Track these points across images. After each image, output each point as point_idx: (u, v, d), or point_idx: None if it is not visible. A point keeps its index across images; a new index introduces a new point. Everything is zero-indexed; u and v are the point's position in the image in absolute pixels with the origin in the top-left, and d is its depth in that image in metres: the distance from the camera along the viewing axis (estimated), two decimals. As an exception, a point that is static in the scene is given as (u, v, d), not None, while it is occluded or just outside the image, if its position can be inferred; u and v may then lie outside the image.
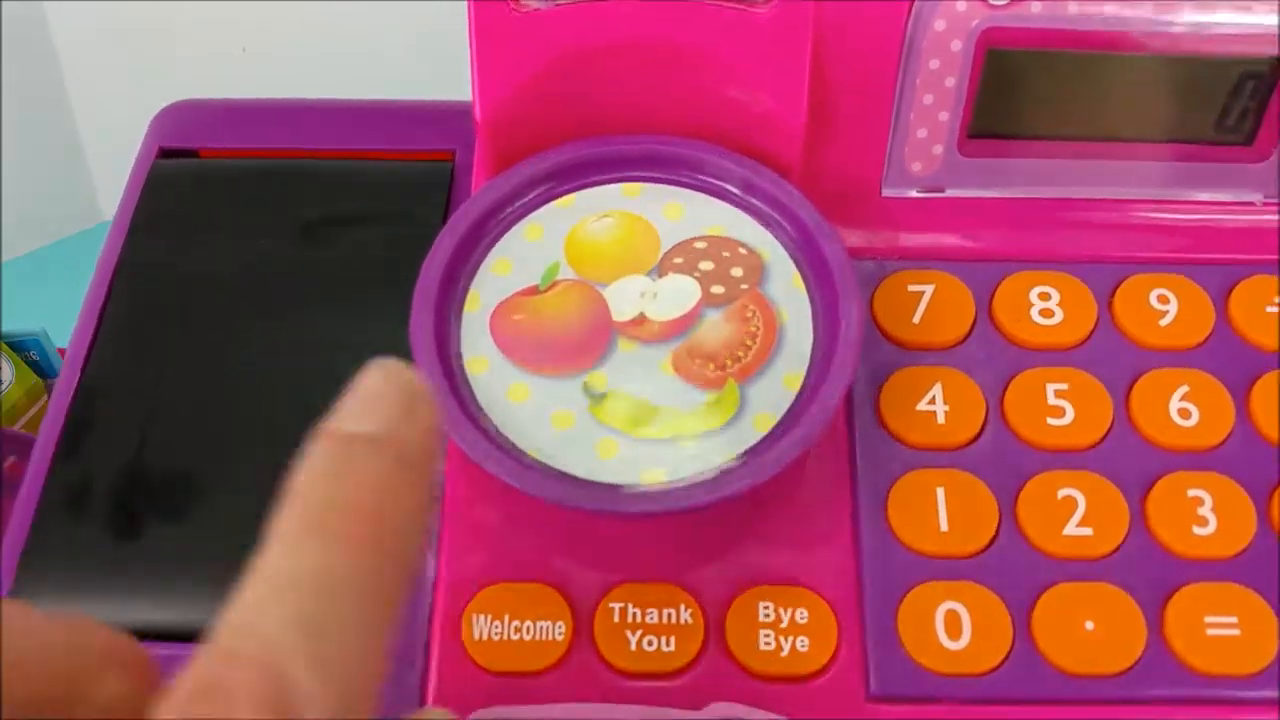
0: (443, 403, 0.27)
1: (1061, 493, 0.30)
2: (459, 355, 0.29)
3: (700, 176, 0.31)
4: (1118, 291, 0.32)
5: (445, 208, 0.38)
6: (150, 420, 0.33)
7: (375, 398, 0.18)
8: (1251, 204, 0.33)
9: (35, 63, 0.52)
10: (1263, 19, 0.30)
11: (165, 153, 0.39)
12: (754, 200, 0.31)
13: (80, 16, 0.51)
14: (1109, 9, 0.30)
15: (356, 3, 0.52)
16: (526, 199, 0.31)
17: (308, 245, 0.38)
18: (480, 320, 0.29)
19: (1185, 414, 0.31)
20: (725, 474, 0.26)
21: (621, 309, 0.29)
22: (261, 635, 0.15)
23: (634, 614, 0.28)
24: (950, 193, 0.33)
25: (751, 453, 0.27)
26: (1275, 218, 0.33)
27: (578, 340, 0.29)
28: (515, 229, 0.30)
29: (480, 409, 0.28)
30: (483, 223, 0.30)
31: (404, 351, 0.35)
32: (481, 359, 0.28)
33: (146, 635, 0.30)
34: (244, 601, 0.16)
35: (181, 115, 0.40)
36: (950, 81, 0.31)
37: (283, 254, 0.37)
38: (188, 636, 0.30)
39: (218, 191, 0.39)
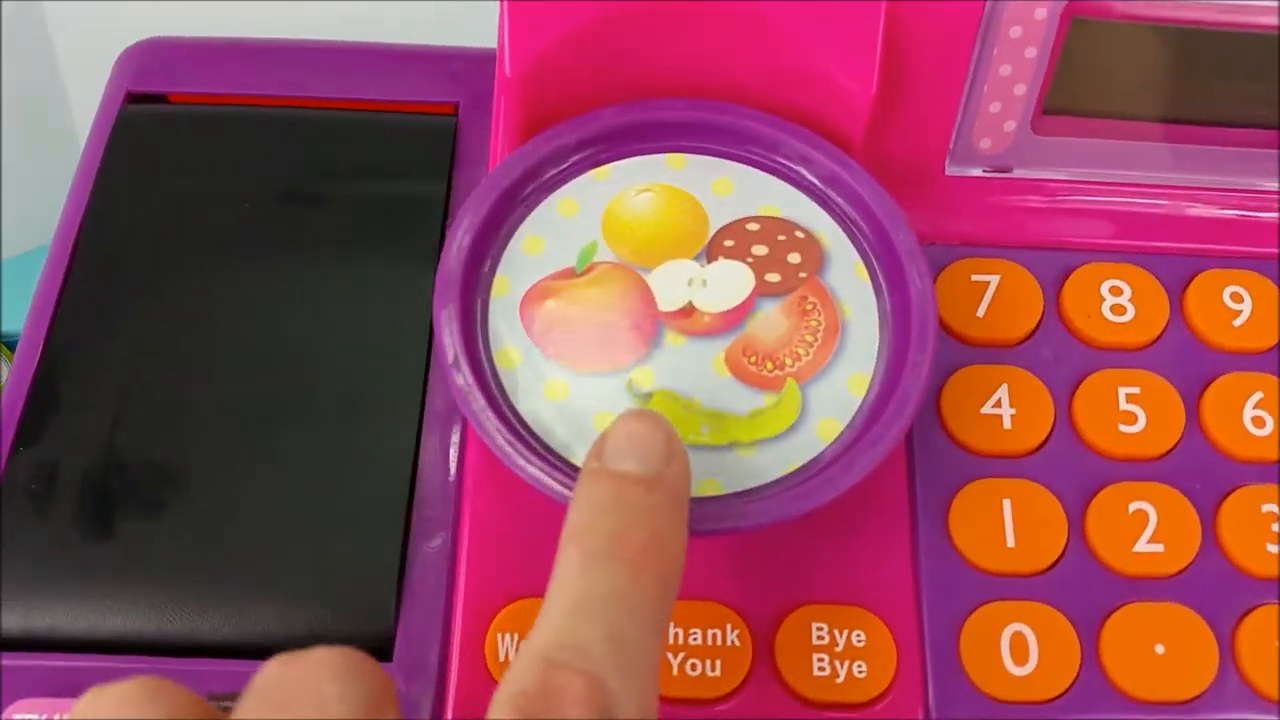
0: (470, 398, 0.24)
1: (1132, 506, 0.28)
2: (486, 345, 0.25)
3: (754, 149, 0.28)
4: (1190, 287, 0.30)
5: (449, 168, 0.35)
6: (122, 399, 0.30)
7: (640, 439, 0.21)
8: (1333, 196, 0.31)
9: (34, 62, 0.50)
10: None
11: (133, 98, 0.35)
12: (813, 179, 0.28)
13: (78, 15, 0.49)
14: (1207, -21, 0.27)
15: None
16: (559, 169, 0.28)
17: (293, 205, 0.34)
18: (510, 307, 0.26)
19: (1259, 422, 0.29)
20: (790, 491, 0.24)
21: (667, 297, 0.26)
22: (579, 647, 0.18)
23: (676, 634, 0.26)
24: (1018, 173, 0.30)
25: (816, 466, 0.24)
26: (1355, 212, 0.31)
27: (621, 332, 0.26)
28: (546, 202, 0.27)
29: (513, 408, 0.25)
30: (511, 194, 0.27)
31: (399, 324, 0.32)
32: (513, 350, 0.25)
33: (122, 649, 0.27)
34: (557, 616, 0.19)
35: (150, 55, 0.36)
36: (1031, 52, 0.28)
37: (266, 215, 0.33)
38: (168, 649, 0.27)
39: (192, 142, 0.35)
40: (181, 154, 0.34)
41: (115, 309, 0.31)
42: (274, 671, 0.19)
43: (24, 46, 0.48)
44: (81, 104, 0.51)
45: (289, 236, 0.33)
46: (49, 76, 0.49)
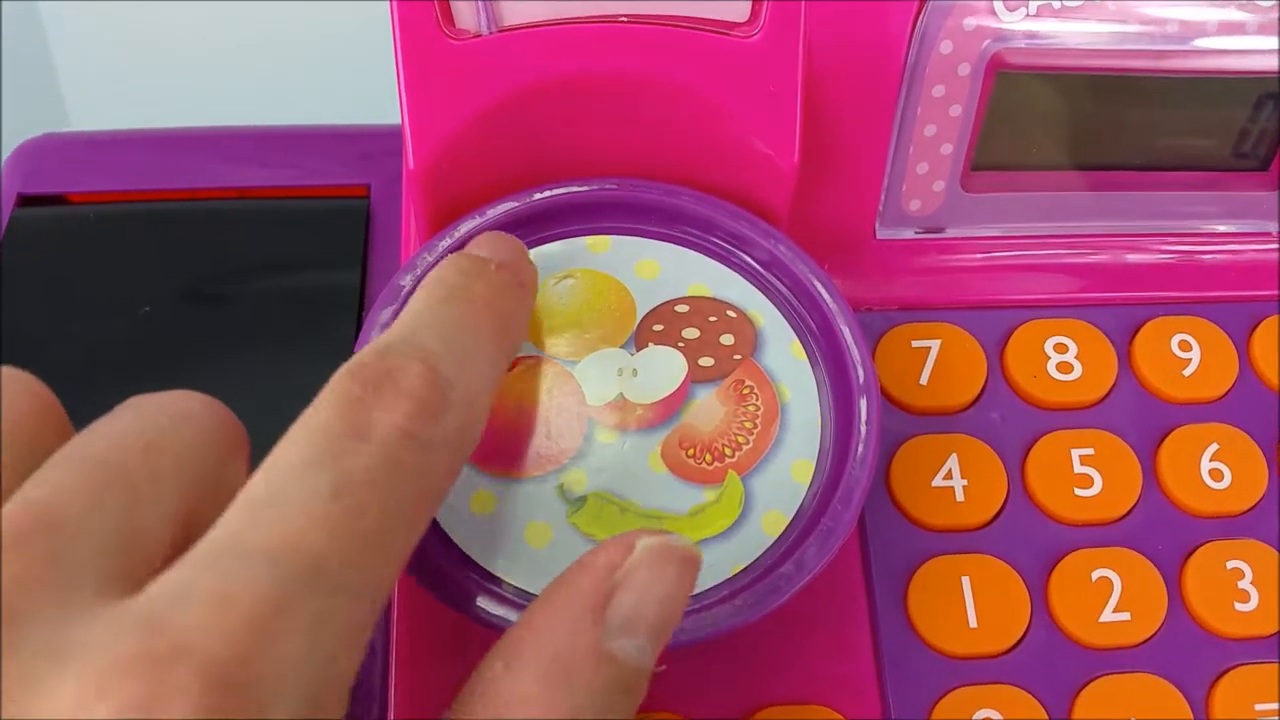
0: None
1: (1095, 574, 0.27)
2: (406, 457, 0.24)
3: (677, 226, 0.27)
4: (1137, 338, 0.29)
5: (363, 253, 0.34)
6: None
7: (498, 241, 0.24)
8: (1269, 234, 0.30)
9: (31, 67, 0.50)
10: (1289, 36, 0.27)
11: (25, 200, 0.33)
12: (741, 253, 0.26)
13: (76, 20, 0.49)
14: (1130, 26, 0.26)
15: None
16: (474, 260, 0.26)
17: (202, 304, 0.32)
18: (429, 412, 0.24)
19: (1217, 475, 0.28)
20: (739, 593, 0.22)
21: (596, 391, 0.25)
22: (419, 343, 0.19)
23: (628, 751, 0.24)
24: (951, 232, 0.29)
25: (764, 564, 0.23)
26: (1292, 249, 0.30)
27: (548, 432, 0.24)
28: (463, 297, 0.26)
29: (437, 526, 0.23)
30: (424, 291, 0.25)
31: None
32: (434, 461, 0.24)
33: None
34: (401, 324, 0.20)
35: (43, 153, 0.34)
36: (955, 110, 0.27)
37: (173, 316, 0.32)
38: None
39: (91, 244, 0.33)
40: (79, 258, 0.33)
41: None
42: (144, 396, 0.19)
43: (20, 51, 0.48)
44: (78, 105, 0.51)
45: (198, 338, 0.31)
46: (44, 80, 0.48)
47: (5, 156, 0.35)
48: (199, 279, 0.33)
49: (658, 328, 0.26)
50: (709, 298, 0.26)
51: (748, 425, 0.25)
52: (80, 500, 0.16)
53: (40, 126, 0.37)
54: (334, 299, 0.32)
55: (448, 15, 0.25)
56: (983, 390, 0.28)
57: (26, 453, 0.18)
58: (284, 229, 0.34)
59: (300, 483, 0.17)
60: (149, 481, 0.17)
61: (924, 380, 0.28)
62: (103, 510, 0.16)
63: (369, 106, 0.37)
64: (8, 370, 0.19)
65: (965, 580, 0.26)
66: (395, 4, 0.25)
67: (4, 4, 0.48)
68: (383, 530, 0.17)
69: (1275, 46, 0.28)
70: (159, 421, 0.18)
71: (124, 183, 0.34)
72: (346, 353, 0.31)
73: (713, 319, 0.26)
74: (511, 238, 0.24)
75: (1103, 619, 0.26)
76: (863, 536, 0.27)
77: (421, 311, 0.21)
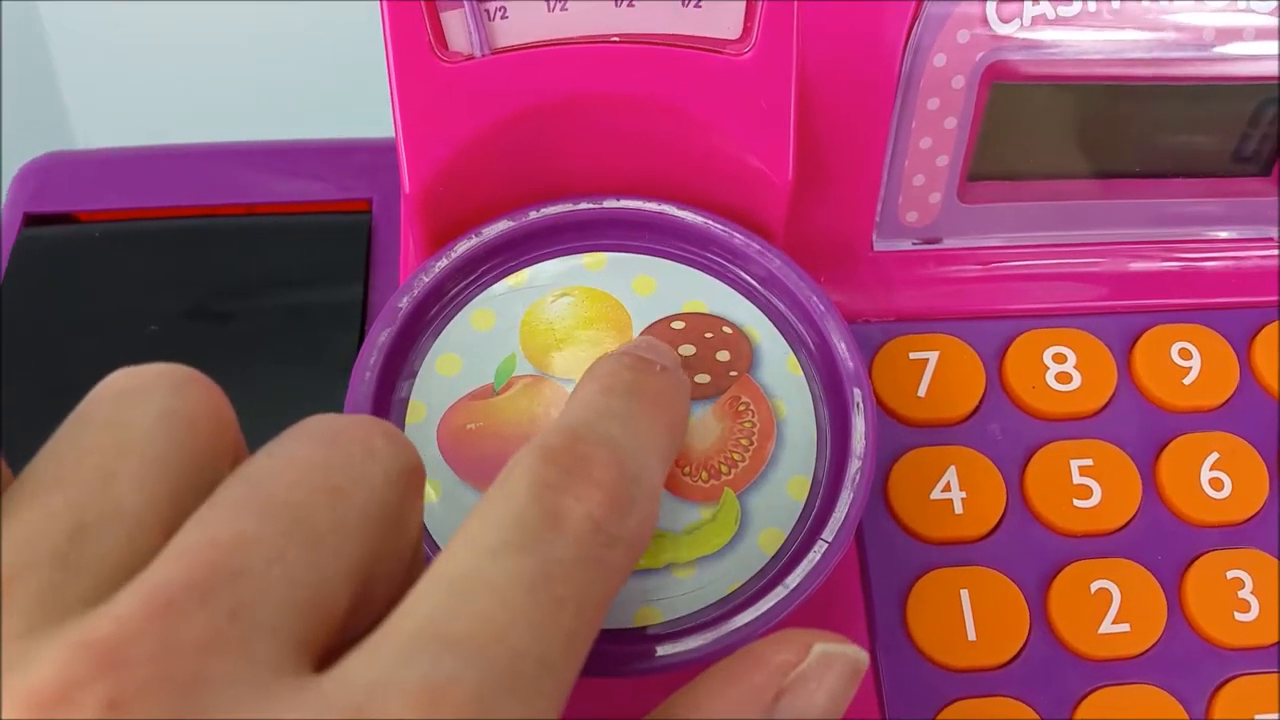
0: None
1: (1094, 585, 0.27)
2: (404, 478, 0.24)
3: (673, 243, 0.27)
4: (1136, 347, 0.29)
5: (365, 268, 0.34)
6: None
7: (658, 347, 0.23)
8: (1269, 240, 0.30)
9: (31, 70, 0.51)
10: (1287, 42, 0.27)
11: (33, 219, 0.34)
12: (737, 269, 0.26)
13: (76, 22, 0.50)
14: (1127, 33, 0.26)
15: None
16: (471, 279, 0.26)
17: (206, 321, 0.32)
18: (426, 434, 0.24)
19: (1217, 484, 0.28)
20: (735, 613, 0.23)
21: (593, 409, 0.25)
22: (604, 432, 0.19)
23: (625, 767, 0.24)
24: (948, 243, 0.29)
25: (760, 581, 0.23)
26: (1294, 254, 0.30)
27: (545, 452, 0.24)
28: (460, 316, 0.26)
29: (436, 547, 0.23)
30: (420, 312, 0.26)
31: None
32: (432, 483, 0.24)
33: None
34: (582, 409, 0.20)
35: (50, 172, 0.35)
36: (950, 122, 0.27)
37: (179, 334, 0.32)
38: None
39: (97, 262, 0.33)
40: (85, 277, 0.33)
41: (24, 450, 0.30)
42: (324, 419, 0.18)
43: (20, 55, 0.48)
44: (77, 109, 0.51)
45: (201, 355, 0.32)
46: (45, 84, 0.49)
47: (8, 170, 0.35)
48: (204, 296, 0.33)
49: (654, 345, 0.26)
50: (705, 314, 0.26)
51: (744, 442, 0.25)
52: (262, 549, 0.15)
53: (42, 130, 0.37)
54: (336, 315, 0.33)
55: (440, 38, 0.25)
56: (981, 401, 0.28)
57: (204, 472, 0.16)
58: (287, 245, 0.34)
59: (498, 567, 0.16)
60: (334, 532, 0.15)
61: (922, 392, 0.28)
62: (285, 563, 0.15)
63: (374, 116, 0.37)
64: (183, 370, 0.17)
65: (964, 593, 0.26)
66: (388, 28, 0.25)
67: (4, 10, 0.49)
68: (576, 632, 0.16)
69: (1274, 52, 0.27)
70: (345, 459, 0.16)
71: (129, 200, 0.34)
72: (348, 369, 0.31)
73: (709, 335, 0.26)
74: (667, 345, 0.24)
75: (1102, 630, 0.26)
76: (861, 550, 0.27)
77: (602, 401, 0.20)
